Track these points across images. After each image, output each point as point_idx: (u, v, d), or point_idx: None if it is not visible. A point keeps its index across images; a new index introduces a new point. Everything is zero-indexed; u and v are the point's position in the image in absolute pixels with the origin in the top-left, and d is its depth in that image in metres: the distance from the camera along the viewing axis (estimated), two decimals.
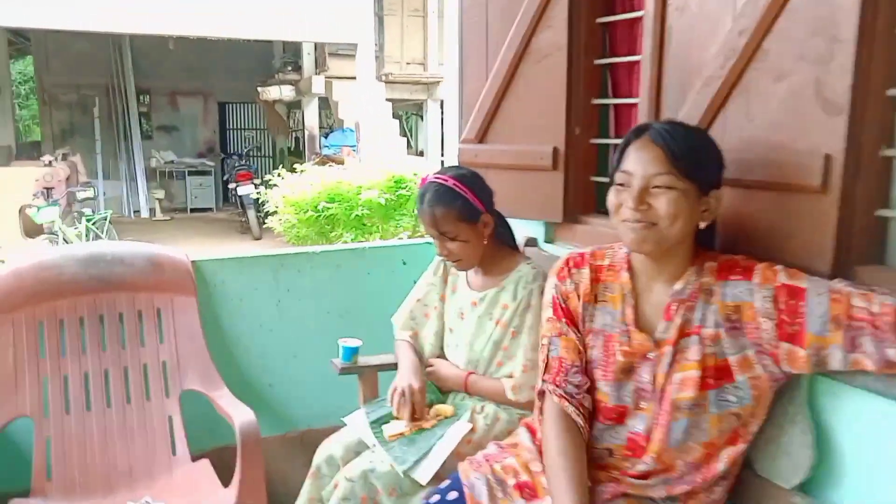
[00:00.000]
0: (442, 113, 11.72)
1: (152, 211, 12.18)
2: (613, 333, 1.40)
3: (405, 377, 1.85)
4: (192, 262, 2.21)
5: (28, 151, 11.31)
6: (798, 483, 1.38)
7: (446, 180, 1.79)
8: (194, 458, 2.01)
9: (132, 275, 2.09)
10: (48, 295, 1.99)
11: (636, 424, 1.38)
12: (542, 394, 1.44)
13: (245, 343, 2.35)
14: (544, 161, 2.10)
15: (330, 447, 1.79)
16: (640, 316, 1.40)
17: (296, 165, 4.29)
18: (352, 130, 9.57)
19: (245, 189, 9.67)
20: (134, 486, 1.88)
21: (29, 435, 1.91)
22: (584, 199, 2.13)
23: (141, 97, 12.95)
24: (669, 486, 1.35)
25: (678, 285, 1.35)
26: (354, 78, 9.35)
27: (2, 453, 1.95)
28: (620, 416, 1.40)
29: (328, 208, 3.44)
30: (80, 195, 7.92)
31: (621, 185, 1.34)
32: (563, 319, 1.45)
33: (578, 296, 1.45)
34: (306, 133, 10.94)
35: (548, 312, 1.49)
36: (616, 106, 2.11)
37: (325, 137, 10.03)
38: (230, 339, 2.33)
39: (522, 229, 2.22)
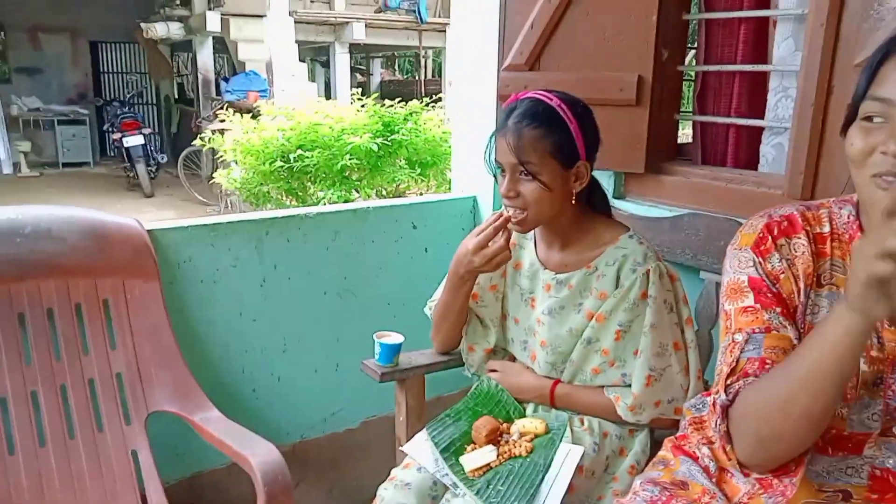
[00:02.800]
0: (352, 57, 10.90)
1: (16, 166, 10.62)
2: None
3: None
4: (149, 231, 1.58)
5: None
6: None
7: (551, 99, 1.31)
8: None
9: (65, 254, 1.44)
10: None
11: (885, 458, 0.98)
12: (724, 409, 1.00)
13: (221, 337, 1.76)
14: (624, 93, 1.64)
15: (395, 497, 1.28)
16: None
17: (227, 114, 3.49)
18: (256, 74, 8.60)
19: (133, 139, 8.55)
20: None
21: None
22: (670, 144, 1.70)
23: None
24: None
25: None
26: (258, 16, 8.37)
27: None
28: (858, 446, 1.00)
29: (304, 157, 2.74)
30: None
31: (869, 118, 0.91)
32: (777, 309, 1.02)
33: (796, 276, 1.02)
34: (200, 77, 9.79)
35: (743, 300, 1.05)
36: (708, 23, 1.68)
37: (226, 82, 8.98)
38: (201, 334, 1.73)
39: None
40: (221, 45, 9.95)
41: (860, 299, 0.80)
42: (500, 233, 1.35)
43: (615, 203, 1.82)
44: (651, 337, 1.30)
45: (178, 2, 9.81)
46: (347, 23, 9.47)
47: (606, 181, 1.80)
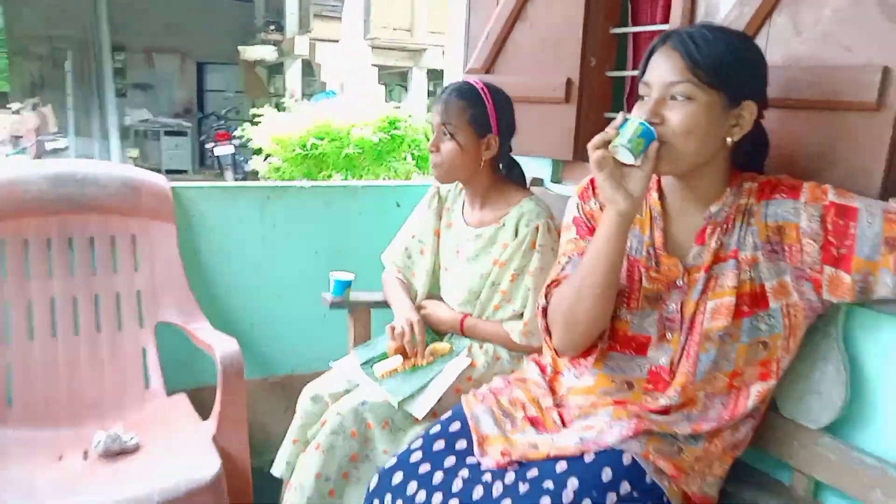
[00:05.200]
0: (428, 82, 11.51)
1: None
2: (639, 258, 1.29)
3: (403, 313, 1.73)
4: (172, 188, 2.04)
5: None
6: (827, 424, 1.29)
7: (476, 83, 1.69)
8: (170, 395, 1.87)
9: (105, 197, 1.92)
10: (11, 213, 1.82)
11: (659, 357, 1.27)
12: (545, 310, 1.31)
13: (227, 280, 2.20)
14: (556, 93, 1.97)
15: (315, 387, 1.65)
16: (670, 241, 1.28)
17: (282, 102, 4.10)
18: (334, 93, 9.31)
19: (223, 149, 9.40)
20: (103, 417, 1.73)
21: None
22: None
23: (115, 53, 12.49)
24: (695, 423, 1.24)
25: (714, 207, 1.23)
26: (337, 41, 9.08)
27: None
28: (641, 348, 1.29)
29: (316, 146, 3.26)
30: (49, 145, 7.61)
31: (641, 99, 1.21)
32: (588, 238, 1.33)
33: None
34: (288, 96, 10.63)
35: (569, 233, 1.37)
36: (636, 36, 1.98)
37: (308, 100, 9.76)
38: (211, 275, 2.17)
39: (527, 168, 2.08)
40: (309, 68, 10.79)
41: (604, 195, 1.13)
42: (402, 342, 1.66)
43: (552, 186, 2.14)
44: (538, 277, 1.61)
45: (273, 28, 10.73)
46: (424, 49, 10.05)
47: (545, 167, 2.12)
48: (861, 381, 1.29)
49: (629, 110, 1.23)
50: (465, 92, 1.67)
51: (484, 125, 1.66)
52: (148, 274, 1.94)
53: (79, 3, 11.78)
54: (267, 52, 10.69)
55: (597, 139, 1.13)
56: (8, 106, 9.04)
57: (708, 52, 1.14)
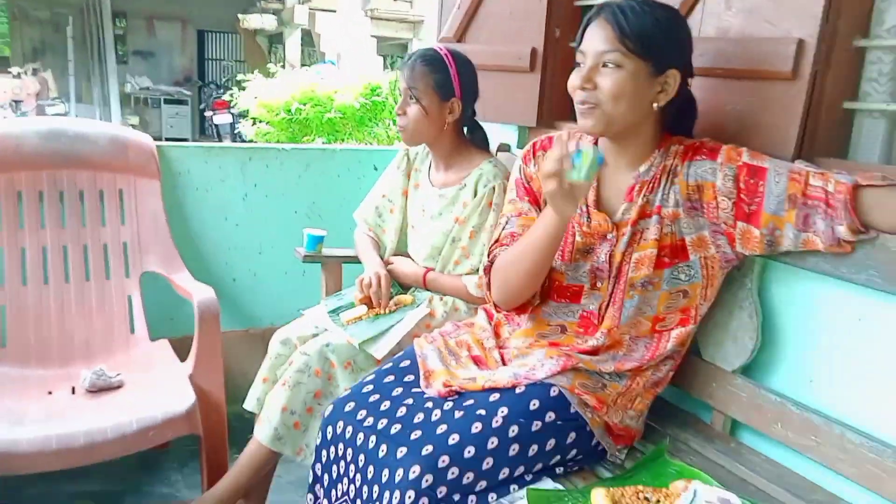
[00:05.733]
0: None
1: None
2: (573, 215, 1.40)
3: (372, 267, 1.86)
4: (157, 146, 2.16)
5: None
6: (740, 366, 1.43)
7: (440, 49, 1.79)
8: (154, 340, 2.01)
9: (94, 153, 2.04)
10: (6, 166, 1.94)
11: (590, 304, 1.40)
12: (489, 269, 1.43)
13: (210, 235, 2.33)
14: (521, 62, 2.07)
15: (286, 331, 1.79)
16: (602, 198, 1.40)
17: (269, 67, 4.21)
18: (333, 63, 9.34)
19: (222, 118, 9.47)
20: (91, 358, 1.87)
21: None
22: (560, 104, 2.10)
23: (117, 19, 12.46)
24: (618, 361, 1.37)
25: (643, 167, 1.35)
26: (335, 11, 9.09)
27: None
28: (575, 296, 1.42)
29: (300, 110, 3.38)
30: (50, 110, 7.70)
31: (579, 65, 1.32)
32: (525, 199, 1.46)
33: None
34: (288, 65, 10.67)
35: (511, 194, 1.49)
36: None
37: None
38: (194, 230, 2.30)
39: (496, 134, 2.20)
40: (308, 38, 10.80)
41: (553, 204, 1.24)
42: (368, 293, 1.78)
43: (518, 151, 2.25)
44: (492, 234, 1.73)
45: None
46: (423, 20, 10.05)
47: (512, 133, 2.23)
48: (774, 329, 1.42)
49: None
50: (430, 58, 1.77)
51: (447, 90, 1.77)
52: (134, 227, 2.07)
53: None
54: (267, 22, 10.70)
55: (550, 169, 1.19)
56: (9, 70, 9.11)
57: (635, 24, 1.25)
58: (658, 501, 1.22)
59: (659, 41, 1.26)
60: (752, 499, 1.23)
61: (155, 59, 13.14)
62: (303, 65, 11.25)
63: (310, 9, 9.91)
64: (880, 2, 1.34)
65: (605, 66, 1.26)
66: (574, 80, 1.31)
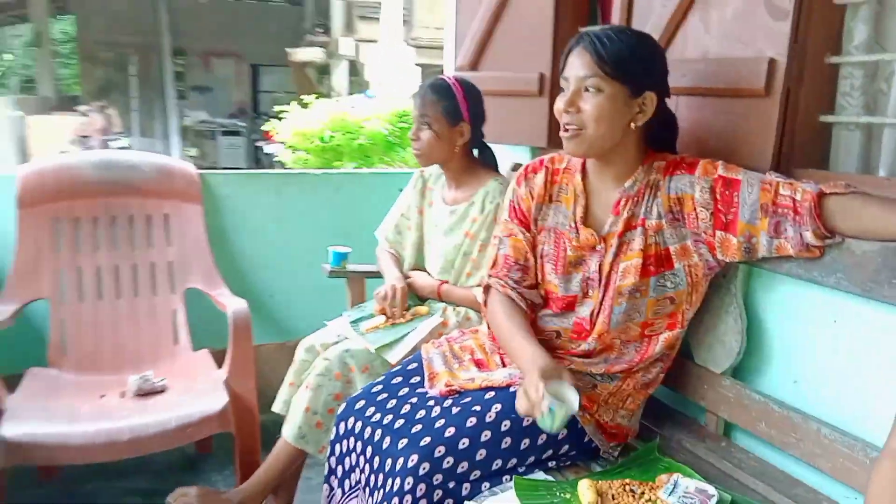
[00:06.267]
0: None
1: None
2: (564, 231, 1.50)
3: (390, 280, 2.00)
4: (200, 173, 2.37)
5: (67, 104, 11.67)
6: (728, 368, 1.50)
7: (448, 78, 1.95)
8: (196, 350, 2.19)
9: (143, 181, 2.26)
10: (66, 194, 2.17)
11: (583, 311, 1.49)
12: (487, 288, 1.55)
13: (248, 254, 2.52)
14: (530, 87, 2.20)
15: (310, 339, 1.95)
16: (590, 213, 1.49)
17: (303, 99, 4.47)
18: (368, 95, 9.64)
19: (272, 147, 9.85)
20: (139, 366, 2.06)
21: (46, 316, 2.11)
22: None
23: (176, 57, 13.20)
24: (609, 364, 1.47)
25: (628, 183, 1.45)
26: (376, 41, 9.41)
27: (22, 329, 2.14)
28: (570, 305, 1.51)
29: (332, 137, 3.61)
30: (114, 145, 8.20)
31: (563, 90, 1.43)
32: (515, 221, 1.55)
33: (532, 198, 1.54)
34: (334, 95, 11.06)
35: (503, 215, 1.60)
36: None
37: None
38: (234, 250, 2.49)
39: (509, 154, 2.33)
40: (355, 67, 11.18)
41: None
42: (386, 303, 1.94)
43: None
44: None
45: (319, 30, 11.17)
46: None
47: (525, 153, 2.35)
48: (760, 333, 1.49)
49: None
50: (438, 87, 1.92)
51: (456, 115, 1.91)
52: (178, 247, 2.27)
53: (142, 10, 12.52)
54: (315, 54, 11.14)
55: (524, 410, 1.25)
56: (77, 108, 9.76)
57: (612, 50, 1.35)
58: (643, 493, 1.31)
59: (635, 65, 1.37)
60: (731, 491, 1.30)
61: (212, 94, 13.81)
62: (350, 93, 11.65)
63: (355, 40, 10.29)
64: (850, 20, 1.42)
65: (586, 90, 1.37)
66: (559, 105, 1.42)
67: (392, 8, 7.95)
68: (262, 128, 10.68)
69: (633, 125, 1.40)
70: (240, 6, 12.51)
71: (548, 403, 1.20)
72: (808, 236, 1.25)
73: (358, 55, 10.37)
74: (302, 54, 11.00)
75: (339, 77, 11.02)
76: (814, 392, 1.38)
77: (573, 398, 1.23)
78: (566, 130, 1.40)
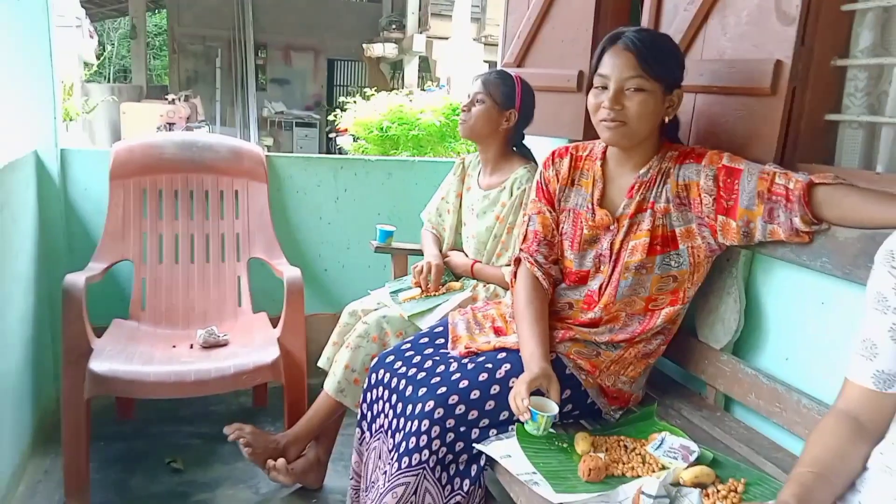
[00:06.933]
0: None
1: None
2: (582, 211, 1.66)
3: (428, 257, 2.20)
4: (266, 155, 2.62)
5: (157, 93, 12.45)
6: (727, 344, 1.62)
7: (511, 73, 2.16)
8: (255, 312, 2.45)
9: (218, 160, 2.53)
10: (151, 169, 2.47)
11: (594, 284, 1.65)
12: (517, 260, 1.72)
13: (306, 231, 2.77)
14: (570, 83, 2.34)
15: (354, 305, 2.17)
16: (606, 196, 1.65)
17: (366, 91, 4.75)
18: (444, 86, 9.89)
19: (343, 139, 10.23)
20: (206, 323, 2.33)
21: (129, 275, 2.41)
22: None
23: (259, 51, 13.84)
24: (613, 333, 1.62)
25: (643, 170, 1.59)
26: (448, 38, 9.63)
27: (109, 285, 2.46)
28: (583, 279, 1.67)
29: (390, 128, 3.85)
30: (196, 132, 8.73)
31: (599, 87, 1.57)
32: (543, 200, 1.72)
33: (558, 180, 1.71)
34: (405, 90, 11.37)
35: (532, 194, 1.77)
36: None
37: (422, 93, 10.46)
38: (294, 226, 2.75)
39: (549, 145, 2.48)
40: (426, 63, 11.46)
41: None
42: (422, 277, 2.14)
43: None
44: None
45: (394, 27, 11.49)
46: None
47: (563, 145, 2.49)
48: (758, 313, 1.61)
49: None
50: (504, 74, 2.14)
51: (510, 101, 2.10)
52: (245, 221, 2.53)
53: (229, 5, 13.20)
54: (389, 50, 11.49)
55: (515, 408, 1.44)
56: (166, 97, 10.43)
57: (653, 52, 1.50)
58: (633, 448, 1.46)
59: (669, 66, 1.52)
60: (713, 450, 1.43)
61: (290, 86, 14.39)
62: (421, 88, 11.97)
63: (427, 37, 10.55)
64: (857, 26, 1.52)
65: (628, 89, 1.50)
66: (597, 101, 1.54)
67: (462, 6, 8.14)
68: (329, 118, 11.13)
69: (665, 119, 1.54)
70: (320, 3, 12.98)
71: (529, 416, 1.40)
72: (798, 222, 1.37)
73: (430, 52, 10.63)
74: (376, 49, 11.36)
75: (411, 72, 11.32)
76: (804, 368, 1.49)
77: (553, 408, 1.43)
78: (609, 122, 1.52)
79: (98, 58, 13.39)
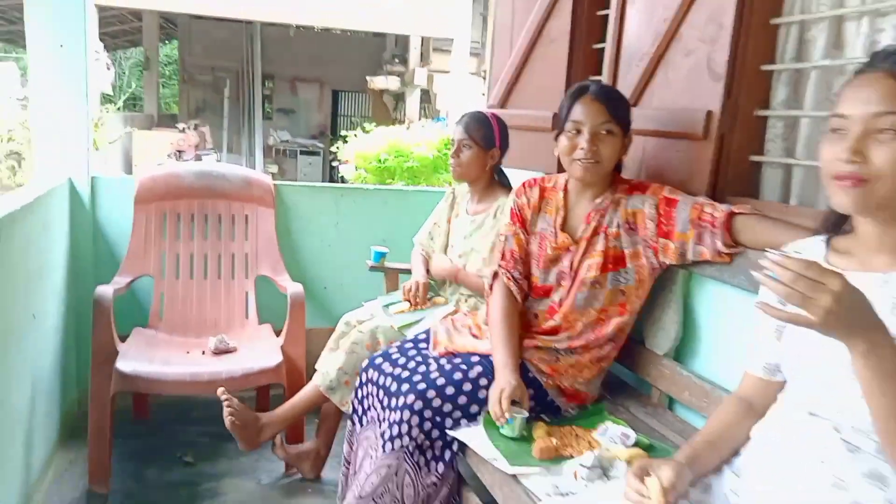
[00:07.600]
0: None
1: None
2: (547, 234, 1.94)
3: (416, 276, 2.47)
4: (274, 184, 2.92)
5: (166, 121, 12.85)
6: (668, 350, 1.89)
7: (487, 113, 2.45)
8: (261, 324, 2.72)
9: (231, 188, 2.82)
10: (171, 195, 2.76)
11: (555, 297, 1.92)
12: (495, 274, 2.00)
13: (308, 252, 3.05)
14: (546, 124, 2.64)
15: (349, 316, 2.44)
16: (567, 222, 1.93)
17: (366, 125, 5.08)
18: (443, 119, 10.27)
19: (345, 169, 10.58)
20: (217, 332, 2.59)
21: (150, 289, 2.69)
22: None
23: (266, 81, 14.27)
24: (571, 341, 1.88)
25: (598, 200, 1.87)
26: (447, 72, 10.01)
27: (132, 298, 2.73)
28: (546, 293, 1.94)
29: (387, 159, 4.16)
30: (205, 159, 9.08)
31: (572, 132, 1.85)
32: (517, 223, 2.00)
33: (529, 207, 1.99)
34: (407, 121, 11.75)
35: (506, 219, 2.05)
36: None
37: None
38: (298, 247, 3.03)
39: (528, 176, 2.77)
40: (427, 96, 11.86)
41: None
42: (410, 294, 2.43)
43: None
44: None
45: (397, 60, 11.92)
46: None
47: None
48: (695, 324, 1.87)
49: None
50: (480, 118, 2.42)
51: (491, 141, 2.39)
52: (254, 242, 2.82)
53: (238, 38, 13.67)
54: (391, 83, 11.90)
55: (494, 415, 1.67)
56: (176, 125, 10.81)
57: (615, 102, 1.81)
58: (583, 437, 1.71)
59: (626, 113, 1.83)
60: (648, 436, 1.69)
61: (295, 116, 14.80)
62: (424, 118, 12.35)
63: (428, 71, 10.96)
64: (775, 82, 1.81)
65: (601, 132, 1.79)
66: (572, 143, 1.83)
67: (461, 41, 8.52)
68: (332, 148, 11.50)
69: (622, 158, 1.84)
70: (327, 37, 13.45)
71: (504, 420, 1.66)
72: (720, 245, 1.65)
73: (431, 85, 11.03)
74: (380, 82, 11.77)
75: (412, 104, 11.71)
76: (730, 369, 1.75)
77: (524, 412, 1.68)
78: (586, 162, 1.80)
79: (111, 87, 13.84)
